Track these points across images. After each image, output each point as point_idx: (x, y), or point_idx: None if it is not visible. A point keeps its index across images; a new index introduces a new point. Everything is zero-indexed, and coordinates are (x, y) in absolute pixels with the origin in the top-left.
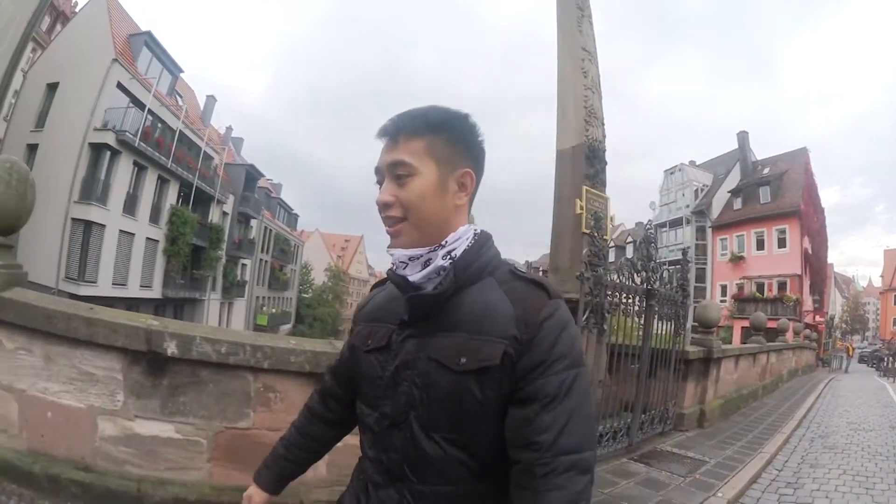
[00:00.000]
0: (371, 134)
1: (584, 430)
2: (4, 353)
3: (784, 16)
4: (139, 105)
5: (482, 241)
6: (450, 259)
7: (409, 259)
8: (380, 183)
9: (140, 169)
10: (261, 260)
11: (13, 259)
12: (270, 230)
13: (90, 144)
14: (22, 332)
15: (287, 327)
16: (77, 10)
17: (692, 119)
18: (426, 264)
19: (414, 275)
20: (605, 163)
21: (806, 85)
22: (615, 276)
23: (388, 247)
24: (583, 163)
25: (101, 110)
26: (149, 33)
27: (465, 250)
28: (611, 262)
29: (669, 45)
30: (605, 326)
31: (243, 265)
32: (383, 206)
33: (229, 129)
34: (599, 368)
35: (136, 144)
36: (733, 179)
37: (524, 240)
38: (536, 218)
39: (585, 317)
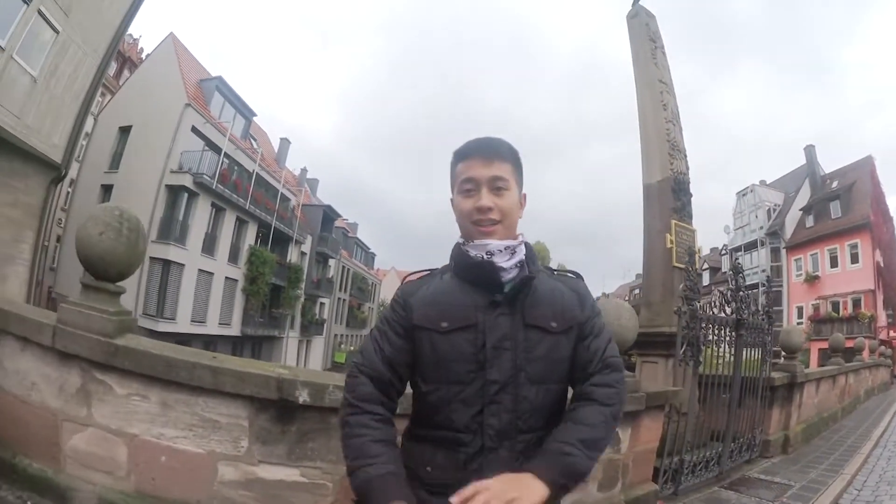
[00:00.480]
0: (441, 172)
1: (615, 347)
2: (115, 399)
3: (834, 17)
4: (214, 148)
5: (531, 246)
6: (523, 254)
7: (504, 248)
8: (469, 192)
9: (218, 210)
10: (339, 298)
11: (121, 305)
12: (348, 269)
13: (167, 186)
14: (136, 378)
15: None
16: (144, 56)
17: (757, 136)
18: (512, 254)
19: (504, 262)
20: (691, 195)
21: (868, 85)
22: (707, 308)
23: (473, 241)
24: (670, 196)
25: (176, 153)
26: (220, 78)
27: (527, 249)
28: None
29: (726, 63)
30: (701, 359)
31: (321, 304)
32: (485, 210)
33: (304, 170)
34: (694, 401)
35: (214, 187)
36: (804, 196)
37: (599, 271)
38: (609, 249)
39: (683, 350)
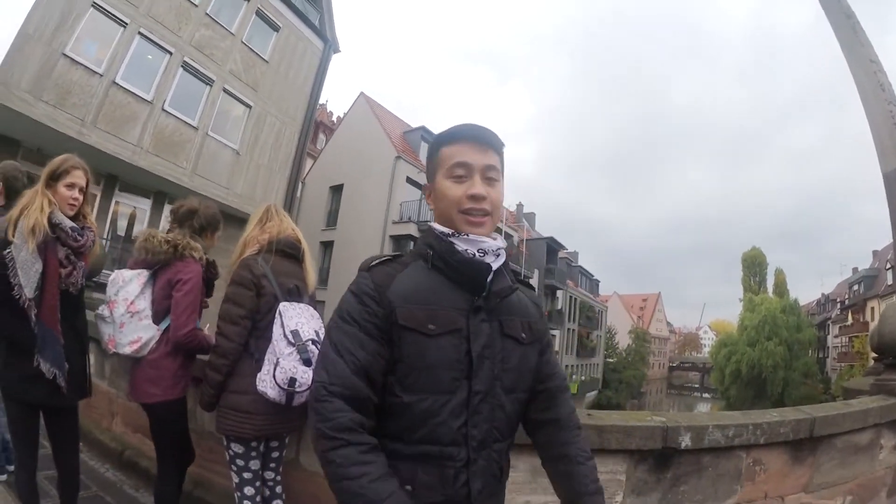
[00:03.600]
0: (645, 187)
1: None
2: None
3: None
4: None
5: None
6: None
7: (497, 249)
8: (461, 178)
9: None
10: (568, 329)
11: None
12: (575, 299)
13: (391, 237)
14: None
15: (593, 394)
16: (335, 119)
17: None
18: (497, 257)
19: (495, 264)
20: None
21: None
22: None
23: (460, 234)
24: None
25: (395, 204)
26: (423, 128)
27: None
28: None
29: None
30: None
31: (552, 335)
32: (479, 199)
33: (520, 205)
34: None
35: None
36: None
37: (814, 269)
38: (821, 244)
39: None
